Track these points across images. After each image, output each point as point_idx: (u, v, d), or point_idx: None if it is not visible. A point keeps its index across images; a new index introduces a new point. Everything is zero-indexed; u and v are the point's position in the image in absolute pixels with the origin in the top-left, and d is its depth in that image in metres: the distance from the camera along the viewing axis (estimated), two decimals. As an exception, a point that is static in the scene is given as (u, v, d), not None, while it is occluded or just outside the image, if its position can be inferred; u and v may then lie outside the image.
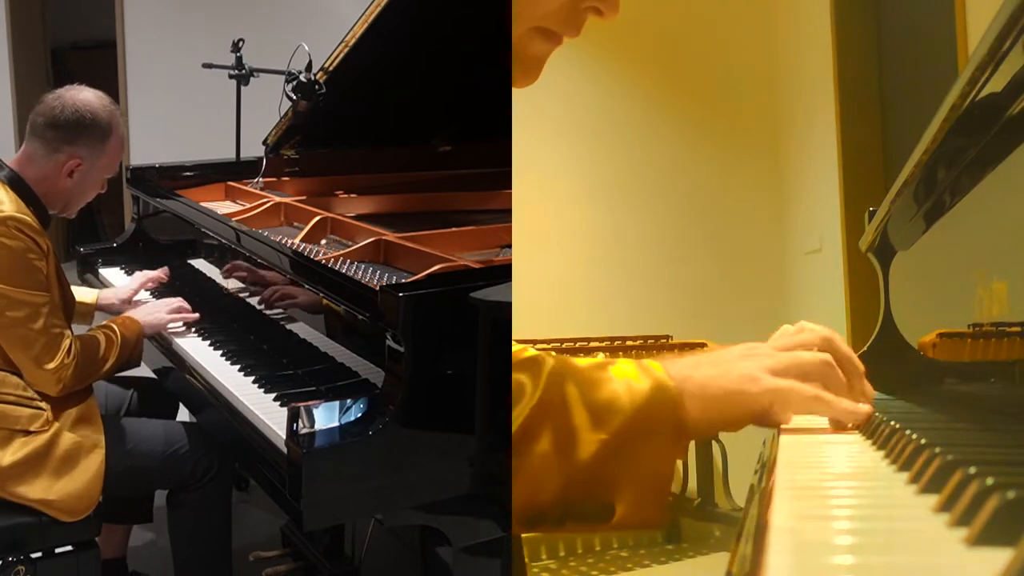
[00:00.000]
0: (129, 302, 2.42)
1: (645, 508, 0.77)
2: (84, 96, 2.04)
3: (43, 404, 1.92)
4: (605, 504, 0.77)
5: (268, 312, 2.13)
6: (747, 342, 0.88)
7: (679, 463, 4.04)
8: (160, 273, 2.51)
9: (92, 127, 2.02)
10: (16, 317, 1.87)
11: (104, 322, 2.13)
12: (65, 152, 2.01)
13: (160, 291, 2.55)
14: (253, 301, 2.22)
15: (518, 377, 0.78)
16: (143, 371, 2.45)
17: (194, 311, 2.30)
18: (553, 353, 0.81)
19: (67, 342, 1.92)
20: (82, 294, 2.39)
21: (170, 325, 2.24)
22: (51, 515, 1.89)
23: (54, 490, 1.89)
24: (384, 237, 2.15)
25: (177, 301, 2.27)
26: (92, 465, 1.93)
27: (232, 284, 2.34)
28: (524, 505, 0.76)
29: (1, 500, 1.88)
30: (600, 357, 0.84)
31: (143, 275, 2.51)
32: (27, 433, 1.89)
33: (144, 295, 2.53)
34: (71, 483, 1.90)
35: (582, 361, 0.81)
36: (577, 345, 3.61)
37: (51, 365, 1.89)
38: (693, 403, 0.79)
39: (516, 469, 0.75)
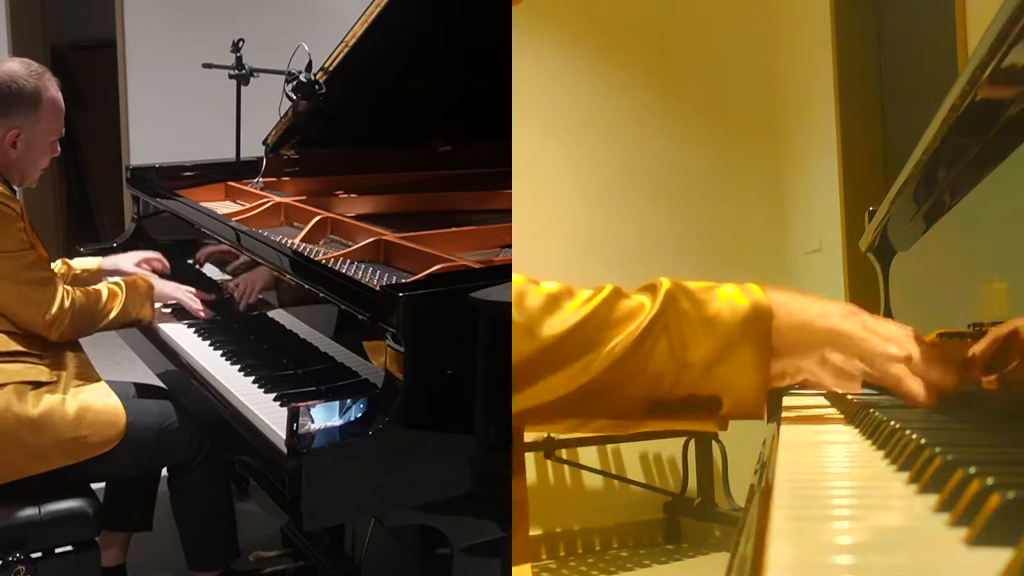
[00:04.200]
0: (128, 269, 2.51)
1: (746, 402, 0.94)
2: (7, 67, 2.09)
3: (46, 361, 2.02)
4: (714, 397, 0.93)
5: (264, 309, 2.13)
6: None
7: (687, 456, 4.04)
8: (160, 260, 2.57)
9: (20, 96, 2.06)
10: (8, 276, 1.98)
11: (119, 278, 2.26)
12: (2, 125, 2.06)
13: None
14: (252, 300, 2.22)
15: (638, 296, 0.95)
16: (146, 375, 2.46)
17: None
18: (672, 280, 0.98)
19: (61, 291, 2.04)
20: (86, 262, 2.51)
21: (179, 299, 2.32)
22: (90, 457, 1.98)
23: (84, 425, 1.97)
24: (384, 237, 2.15)
25: (192, 290, 2.37)
26: (107, 395, 2.03)
27: (223, 278, 2.34)
28: (646, 398, 0.93)
29: (10, 485, 1.92)
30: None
31: (145, 253, 2.59)
32: (38, 385, 1.97)
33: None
34: (96, 415, 1.99)
35: (694, 284, 0.97)
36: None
37: (50, 314, 2.01)
38: (785, 326, 0.96)
39: (635, 367, 0.92)
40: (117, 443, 2.01)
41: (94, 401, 2.01)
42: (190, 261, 2.59)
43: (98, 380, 2.09)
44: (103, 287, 2.17)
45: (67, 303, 2.03)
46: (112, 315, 2.14)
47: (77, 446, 1.97)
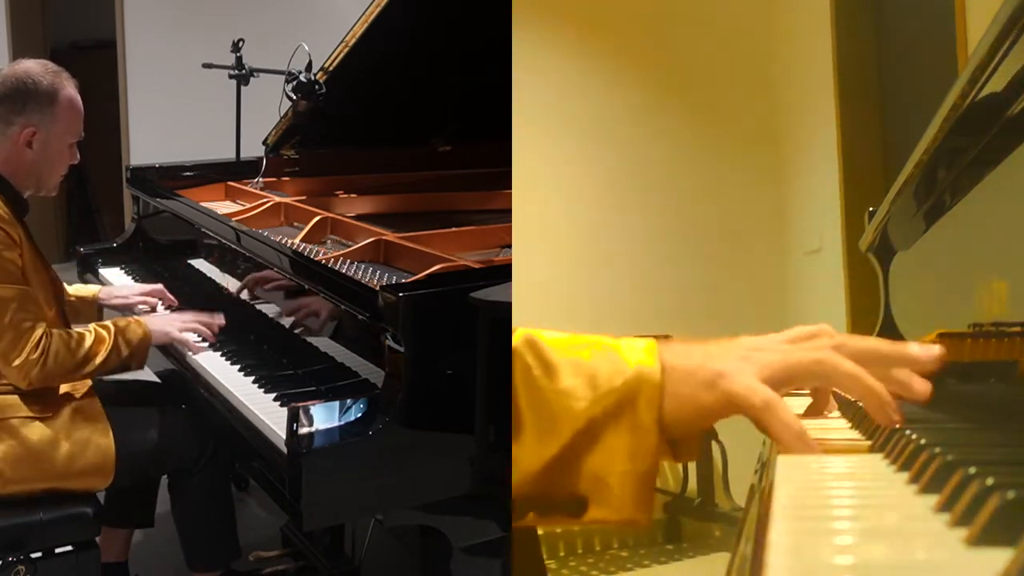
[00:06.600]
0: (128, 299, 2.40)
1: (622, 505, 0.71)
2: (24, 66, 2.05)
3: (39, 392, 1.94)
4: (574, 497, 0.71)
5: (272, 315, 2.13)
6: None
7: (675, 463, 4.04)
8: (160, 292, 2.43)
9: (36, 92, 2.01)
10: None
11: (110, 320, 2.09)
12: (18, 123, 2.00)
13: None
14: (252, 302, 2.22)
15: None
16: (146, 374, 2.46)
17: (194, 311, 2.28)
18: (528, 331, 0.74)
19: (36, 337, 1.89)
20: (83, 290, 2.39)
21: (183, 335, 2.13)
22: (74, 490, 1.93)
23: (72, 472, 1.92)
24: (384, 237, 2.15)
25: (191, 316, 2.17)
26: (103, 438, 1.96)
27: (232, 284, 2.33)
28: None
29: (9, 498, 1.90)
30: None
31: (149, 287, 2.46)
32: (34, 420, 1.92)
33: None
34: (85, 458, 1.94)
35: (559, 341, 0.74)
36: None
37: (17, 361, 1.88)
38: (671, 395, 0.72)
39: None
40: (107, 484, 1.98)
41: (85, 448, 1.94)
42: (191, 261, 2.59)
43: (99, 418, 1.99)
44: (89, 330, 2.00)
45: (36, 353, 1.88)
46: (97, 361, 1.96)
47: (64, 483, 1.93)
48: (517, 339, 0.73)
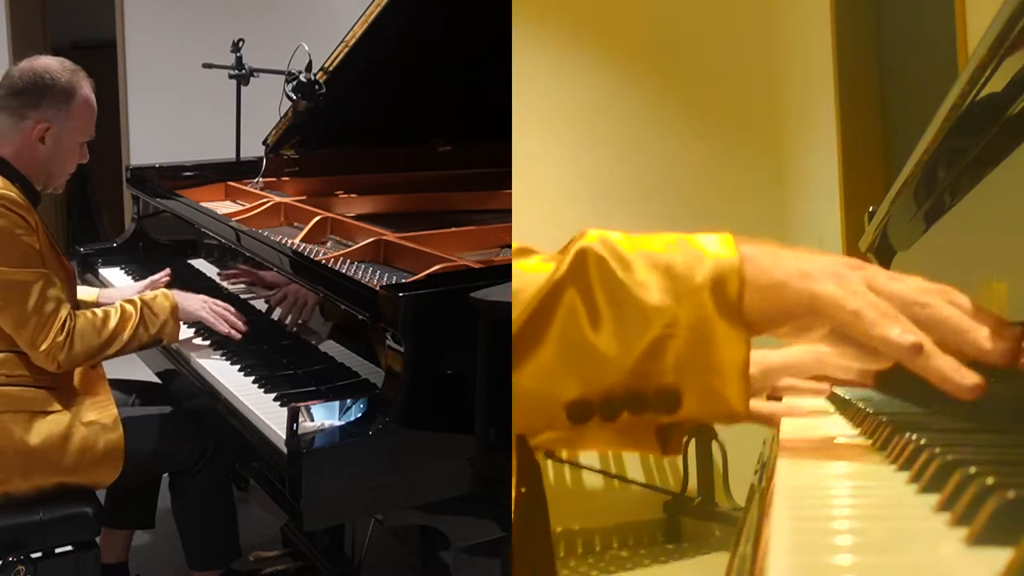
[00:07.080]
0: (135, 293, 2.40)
1: (718, 398, 0.69)
2: (42, 62, 2.04)
3: (52, 384, 1.94)
4: (667, 391, 0.69)
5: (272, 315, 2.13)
6: None
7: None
8: (162, 275, 2.45)
9: (52, 88, 2.00)
10: (7, 297, 1.88)
11: (137, 295, 2.09)
12: (32, 118, 1.99)
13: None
14: (253, 301, 2.22)
15: (544, 256, 0.74)
16: (146, 374, 2.46)
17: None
18: (600, 231, 0.73)
19: (61, 319, 1.90)
20: (83, 293, 2.38)
21: (203, 318, 2.10)
22: (82, 485, 1.94)
23: (81, 465, 1.92)
24: (384, 237, 2.15)
25: (223, 305, 2.13)
26: (113, 432, 1.96)
27: (232, 285, 2.33)
28: (561, 398, 0.70)
29: (15, 496, 1.90)
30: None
31: (149, 280, 2.45)
32: (47, 414, 1.92)
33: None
34: (93, 456, 1.93)
35: (628, 238, 0.72)
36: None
37: (44, 345, 1.88)
38: (752, 288, 0.70)
39: (532, 356, 0.69)
40: (114, 477, 1.98)
41: (96, 442, 1.94)
42: (191, 262, 2.59)
43: (110, 414, 1.99)
44: (115, 308, 2.00)
45: (62, 335, 1.89)
46: (125, 338, 1.97)
47: (72, 478, 1.93)
48: (590, 239, 0.71)
